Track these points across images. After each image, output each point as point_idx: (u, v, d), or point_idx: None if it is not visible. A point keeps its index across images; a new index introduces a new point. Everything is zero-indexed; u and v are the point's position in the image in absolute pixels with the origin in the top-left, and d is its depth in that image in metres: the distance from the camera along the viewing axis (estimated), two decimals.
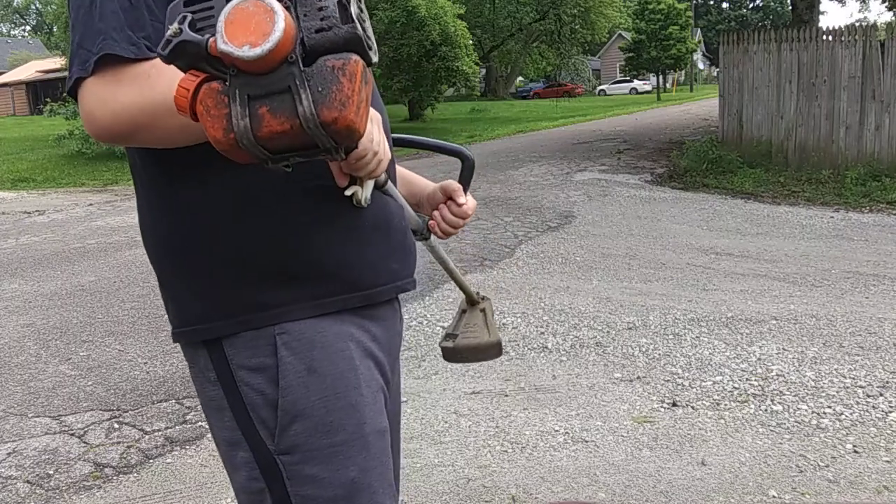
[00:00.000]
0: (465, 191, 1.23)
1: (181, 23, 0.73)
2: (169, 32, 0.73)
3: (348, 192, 0.95)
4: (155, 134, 0.88)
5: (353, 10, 0.76)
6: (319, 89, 0.72)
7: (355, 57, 0.74)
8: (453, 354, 1.29)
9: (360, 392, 0.99)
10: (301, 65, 0.73)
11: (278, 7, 0.71)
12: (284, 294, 0.97)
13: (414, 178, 1.30)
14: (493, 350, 1.31)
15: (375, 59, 0.78)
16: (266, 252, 0.97)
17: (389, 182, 1.00)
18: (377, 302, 1.05)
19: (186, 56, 0.74)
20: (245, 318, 0.97)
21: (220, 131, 0.74)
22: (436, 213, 1.23)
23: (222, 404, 0.99)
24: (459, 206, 1.21)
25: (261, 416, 0.97)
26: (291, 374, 0.96)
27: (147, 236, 1.07)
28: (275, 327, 0.97)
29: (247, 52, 0.69)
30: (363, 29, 0.76)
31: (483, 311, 1.36)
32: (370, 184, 0.97)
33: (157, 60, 0.85)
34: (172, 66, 0.83)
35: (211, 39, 0.72)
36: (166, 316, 1.10)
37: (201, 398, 1.05)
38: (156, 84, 0.86)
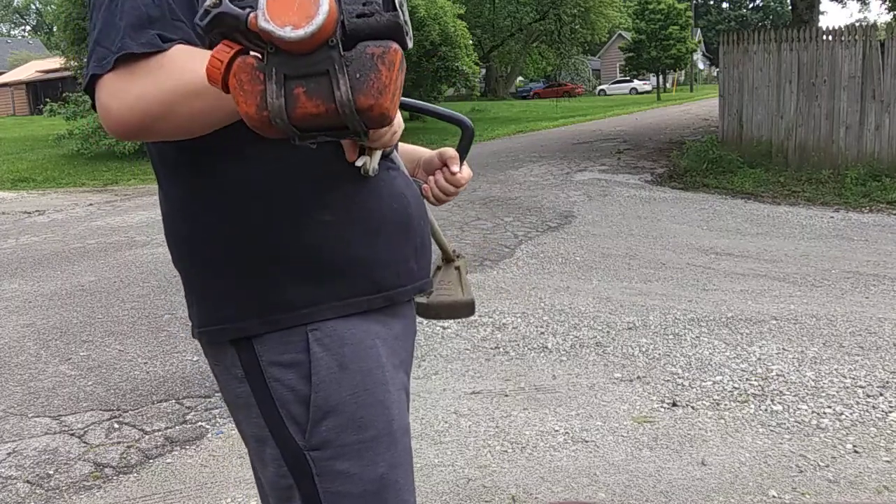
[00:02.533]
0: (462, 159, 1.23)
1: None
2: (208, 2, 0.72)
3: (359, 163, 0.96)
4: (171, 123, 0.88)
5: None
6: (358, 76, 0.72)
7: (395, 45, 0.73)
8: (427, 310, 1.29)
9: (388, 389, 1.01)
10: (341, 49, 0.72)
11: None
12: (313, 293, 0.98)
13: (410, 147, 1.32)
14: (466, 309, 1.31)
15: (411, 44, 0.77)
16: (294, 251, 0.98)
17: (394, 150, 1.01)
18: (398, 302, 1.06)
19: (223, 28, 0.73)
20: (276, 317, 0.98)
21: (254, 107, 0.73)
22: (431, 178, 1.23)
23: (249, 401, 0.99)
24: (453, 174, 1.20)
25: (291, 411, 0.97)
26: (324, 369, 0.97)
27: (170, 233, 1.06)
28: (307, 325, 0.97)
29: (288, 33, 0.68)
30: (404, 15, 0.75)
31: (458, 268, 1.36)
32: (378, 154, 0.98)
33: (171, 51, 0.87)
34: (183, 55, 0.85)
35: (251, 15, 0.70)
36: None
37: (226, 396, 1.05)
38: (170, 73, 0.86)
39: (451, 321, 4.02)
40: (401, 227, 1.05)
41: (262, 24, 0.68)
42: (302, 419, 0.97)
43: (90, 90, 0.90)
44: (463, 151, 1.22)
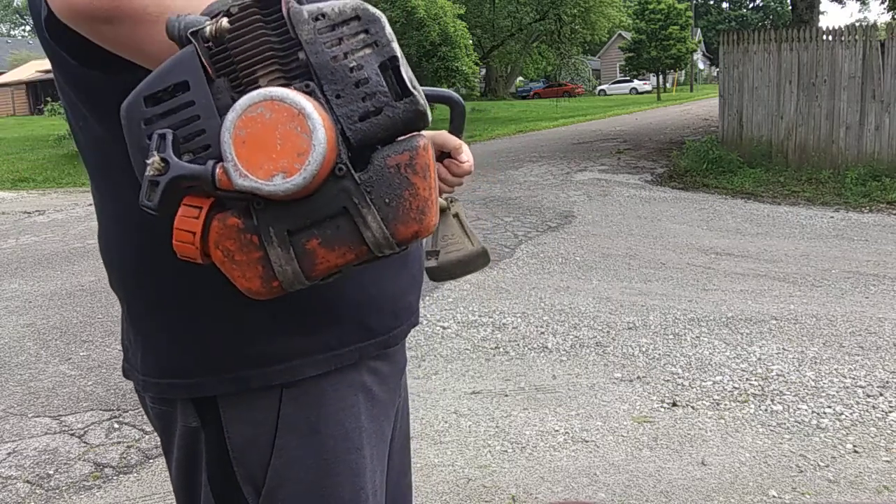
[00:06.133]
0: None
1: (161, 149, 0.52)
2: (149, 171, 0.52)
3: None
4: (139, 33, 0.64)
5: (405, 72, 0.55)
6: (387, 201, 0.54)
7: (422, 142, 0.56)
8: (439, 273, 1.15)
9: (362, 454, 0.88)
10: (354, 174, 0.54)
11: (308, 105, 0.50)
12: (293, 345, 0.82)
13: None
14: (480, 259, 1.16)
15: (431, 117, 0.59)
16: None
17: None
18: (393, 345, 0.93)
19: (182, 195, 0.53)
20: (245, 374, 0.81)
21: (257, 281, 0.56)
22: None
23: (197, 449, 0.86)
24: (462, 163, 1.01)
25: (248, 472, 0.84)
26: (291, 432, 0.83)
27: (114, 255, 0.87)
28: (282, 384, 0.83)
29: (280, 185, 0.50)
30: (419, 94, 0.56)
31: (457, 216, 1.21)
32: None
33: None
34: None
35: (218, 169, 0.51)
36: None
37: (165, 437, 0.91)
38: None
39: (450, 317, 4.03)
40: (398, 258, 0.90)
41: (240, 181, 0.50)
42: (259, 481, 0.84)
43: None
44: (458, 133, 1.04)
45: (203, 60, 0.54)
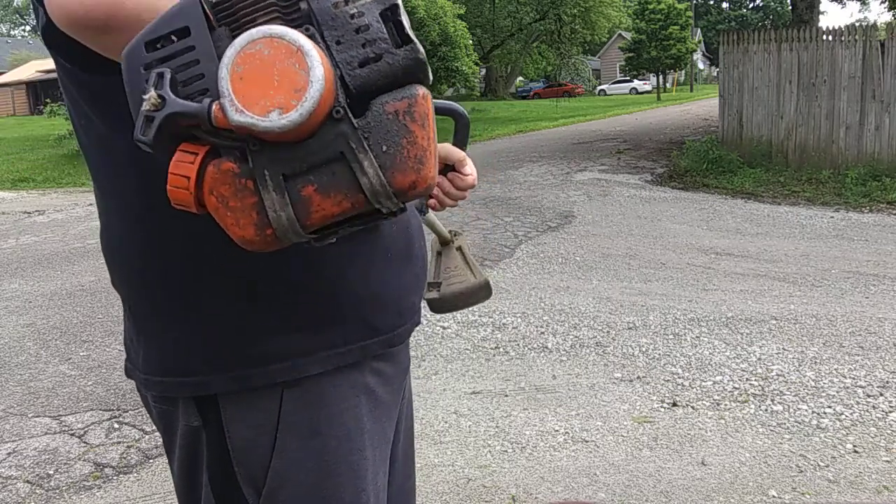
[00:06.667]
0: None
1: (158, 86, 0.51)
2: (145, 105, 0.51)
3: None
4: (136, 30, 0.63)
5: (406, 21, 0.55)
6: (384, 148, 0.53)
7: (422, 91, 0.55)
8: (441, 305, 1.15)
9: (364, 455, 0.87)
10: (352, 118, 0.53)
11: (307, 43, 0.50)
12: (299, 342, 0.82)
13: None
14: (483, 292, 1.16)
15: (430, 75, 0.59)
16: (278, 289, 0.81)
17: None
18: (396, 345, 0.93)
19: (179, 135, 0.53)
20: (249, 372, 0.81)
21: (251, 228, 0.55)
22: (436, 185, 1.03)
23: (198, 449, 0.85)
24: (465, 176, 1.00)
25: (248, 472, 0.84)
26: (291, 433, 0.83)
27: (118, 257, 0.87)
28: (284, 383, 0.83)
29: (276, 120, 0.49)
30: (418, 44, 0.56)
31: (460, 248, 1.22)
32: None
33: None
34: None
35: (214, 106, 0.51)
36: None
37: (167, 436, 0.90)
38: None
39: (451, 317, 4.03)
40: (402, 255, 0.91)
41: (236, 117, 0.50)
42: (259, 482, 0.84)
43: None
44: (462, 145, 1.03)
45: (205, 9, 0.54)
